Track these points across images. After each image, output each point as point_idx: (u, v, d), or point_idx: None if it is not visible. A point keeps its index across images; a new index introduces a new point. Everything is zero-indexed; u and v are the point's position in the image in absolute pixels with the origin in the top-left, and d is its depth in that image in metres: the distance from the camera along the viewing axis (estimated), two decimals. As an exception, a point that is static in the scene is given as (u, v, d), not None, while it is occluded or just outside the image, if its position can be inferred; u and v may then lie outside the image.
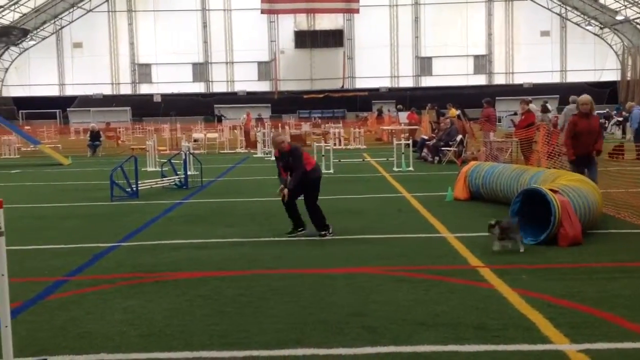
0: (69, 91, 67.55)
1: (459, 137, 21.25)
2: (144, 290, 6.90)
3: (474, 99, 42.36)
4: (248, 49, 67.27)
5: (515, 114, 26.56)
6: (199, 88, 68.57)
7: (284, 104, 64.46)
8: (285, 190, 9.55)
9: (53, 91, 67.39)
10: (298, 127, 41.97)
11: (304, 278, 7.28)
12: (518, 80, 67.32)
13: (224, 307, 6.20)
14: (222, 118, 59.78)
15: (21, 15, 59.82)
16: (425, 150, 22.17)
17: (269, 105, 64.90)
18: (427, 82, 68.21)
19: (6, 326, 3.83)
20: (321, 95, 65.68)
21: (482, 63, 69.38)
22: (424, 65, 69.24)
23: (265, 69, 69.27)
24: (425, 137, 23.95)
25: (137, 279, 7.38)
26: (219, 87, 68.82)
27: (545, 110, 26.82)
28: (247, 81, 68.08)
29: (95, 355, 5.01)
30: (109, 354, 5.03)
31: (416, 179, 17.17)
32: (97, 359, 4.96)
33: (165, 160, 17.99)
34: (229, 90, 68.44)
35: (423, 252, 8.47)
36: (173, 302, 6.43)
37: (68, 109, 65.13)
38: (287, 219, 9.74)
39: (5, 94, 67.61)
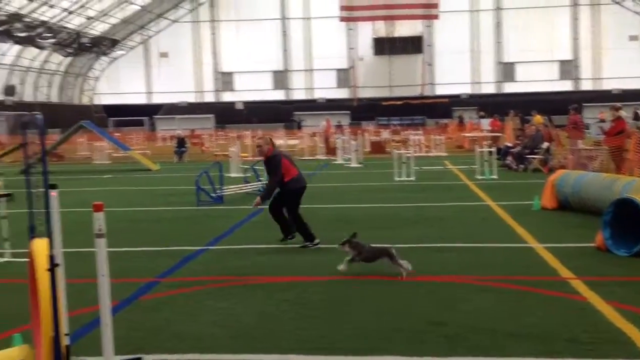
0: (156, 99, 69.85)
1: (545, 144, 20.70)
2: (232, 293, 7.07)
3: (559, 105, 41.15)
4: (327, 57, 67.73)
5: (602, 121, 25.57)
6: (279, 95, 69.55)
7: (363, 110, 64.50)
8: (258, 199, 9.62)
9: (141, 99, 69.86)
10: (377, 134, 41.89)
11: (387, 285, 7.27)
12: (606, 86, 64.91)
13: (310, 312, 6.28)
14: (301, 124, 60.42)
15: (110, 26, 62.35)
16: (509, 157, 21.70)
17: (348, 112, 65.07)
18: (509, 88, 66.75)
19: (107, 324, 4.02)
20: (400, 102, 65.34)
21: (568, 68, 67.30)
22: (507, 71, 67.81)
23: (344, 76, 69.54)
24: (509, 145, 23.45)
25: (225, 282, 7.57)
26: (298, 95, 69.58)
27: (637, 117, 25.76)
28: (326, 88, 68.53)
29: (187, 356, 5.17)
30: (200, 355, 5.19)
31: (500, 187, 16.82)
32: (190, 359, 5.12)
33: (248, 167, 18.34)
34: (308, 98, 69.08)
35: (509, 262, 8.30)
36: (261, 305, 6.56)
37: (155, 117, 67.36)
38: (368, 225, 9.77)
39: (96, 101, 70.61)
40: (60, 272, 4.29)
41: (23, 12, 47.95)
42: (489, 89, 67.36)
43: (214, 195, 14.93)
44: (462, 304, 6.42)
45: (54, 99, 64.37)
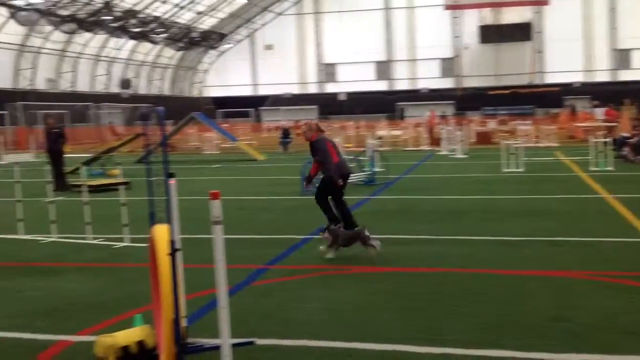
0: (261, 91, 71.35)
1: (666, 134, 19.52)
2: (340, 282, 7.13)
3: (682, 93, 38.65)
4: (431, 46, 66.71)
5: None
6: (381, 86, 69.25)
7: (468, 100, 63.14)
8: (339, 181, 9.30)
9: (247, 91, 71.56)
10: (483, 124, 40.90)
11: (497, 279, 7.10)
12: None
13: (418, 304, 6.23)
14: (404, 115, 59.92)
15: (219, 20, 64.16)
16: (626, 148, 20.62)
17: (453, 102, 63.92)
18: (625, 76, 63.31)
19: (224, 308, 4.15)
20: (507, 92, 63.46)
21: (690, 54, 63.05)
22: (622, 57, 64.34)
23: (449, 66, 68.28)
24: (626, 135, 22.27)
25: (331, 270, 7.64)
26: (401, 85, 69.01)
27: None
28: (430, 78, 67.56)
29: (298, 341, 5.26)
30: (310, 341, 5.26)
31: (617, 179, 16.02)
32: (301, 344, 5.21)
33: (352, 157, 18.39)
34: (412, 88, 68.38)
35: (628, 258, 7.90)
36: (369, 294, 6.58)
37: (260, 108, 68.84)
38: (477, 217, 9.58)
39: (205, 94, 73.00)
40: (179, 257, 4.47)
41: (137, 8, 50.17)
42: (603, 76, 64.15)
43: (317, 185, 15.06)
44: (580, 300, 6.17)
45: (166, 91, 67.08)
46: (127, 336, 4.83)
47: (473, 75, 66.79)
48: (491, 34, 66.51)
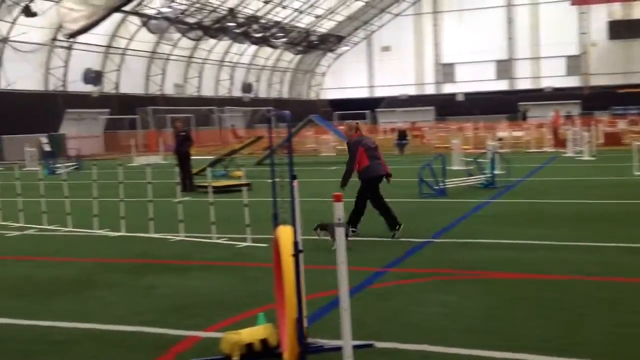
0: (378, 92, 71.38)
1: None
2: (459, 287, 7.01)
3: None
4: (555, 43, 64.06)
5: None
6: (502, 86, 67.32)
7: (595, 99, 60.09)
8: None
9: (363, 93, 71.82)
10: (612, 124, 38.82)
11: (630, 288, 6.73)
12: None
13: (544, 312, 6.02)
14: (526, 115, 57.93)
15: (336, 23, 64.81)
16: None
17: (579, 101, 61.08)
18: None
19: (345, 309, 4.20)
20: (638, 90, 59.85)
21: None
22: None
23: (575, 63, 65.30)
24: None
25: (451, 275, 7.53)
26: (523, 84, 66.76)
27: None
28: (554, 77, 64.91)
29: (418, 346, 5.23)
30: (430, 346, 5.21)
31: None
32: (421, 349, 5.17)
33: (471, 159, 18.03)
34: (534, 87, 65.99)
35: None
36: (490, 300, 6.43)
37: (376, 110, 68.88)
38: (605, 224, 9.13)
39: (322, 96, 74.00)
40: (301, 258, 4.57)
41: (259, 14, 51.66)
42: None
43: (436, 187, 14.91)
44: None
45: (284, 94, 68.61)
46: (252, 334, 5.00)
47: (601, 73, 63.51)
48: (621, 29, 62.94)
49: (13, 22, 35.86)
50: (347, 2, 61.76)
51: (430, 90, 70.48)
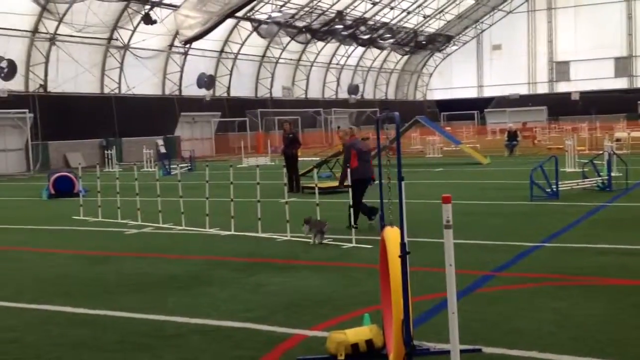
0: (487, 92, 69.76)
1: None
2: (571, 293, 6.74)
3: None
4: (681, 38, 60.31)
5: None
6: (621, 84, 64.01)
7: None
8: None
9: (471, 93, 70.40)
10: None
11: None
12: None
13: (664, 322, 5.69)
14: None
15: (445, 22, 63.89)
16: None
17: None
18: None
19: (453, 313, 4.13)
20: None
21: None
22: None
23: None
24: None
25: (563, 281, 7.25)
26: (644, 82, 63.26)
27: None
28: (680, 74, 61.05)
29: (527, 352, 5.07)
30: (540, 353, 5.04)
31: None
32: (529, 356, 5.02)
33: (587, 161, 17.26)
34: (657, 85, 62.33)
35: None
36: (603, 308, 6.15)
37: (485, 110, 67.32)
38: None
39: (429, 97, 73.18)
40: (408, 260, 4.55)
41: (367, 15, 51.79)
42: None
43: (549, 190, 14.39)
44: None
45: (390, 96, 68.39)
46: (357, 334, 5.03)
47: None
48: None
49: (134, 30, 37.83)
50: (457, 1, 60.72)
51: (542, 89, 68.14)
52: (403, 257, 4.45)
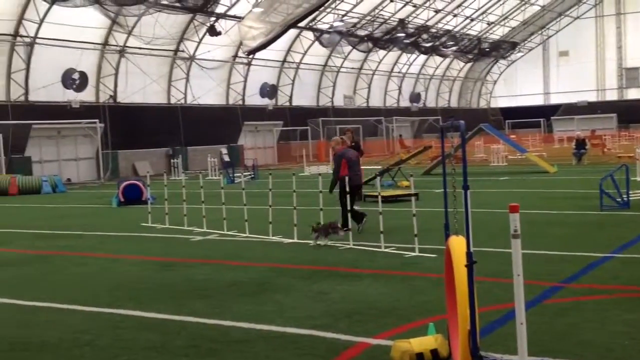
0: (554, 100, 68.21)
1: None
2: (644, 306, 6.53)
3: None
4: None
5: None
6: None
7: None
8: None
9: (537, 100, 68.96)
10: None
11: None
12: None
13: None
14: None
15: (510, 29, 62.86)
16: None
17: None
18: None
19: (521, 323, 4.08)
20: None
21: None
22: None
23: None
24: None
25: (635, 292, 7.03)
26: None
27: None
28: None
29: (598, 366, 4.95)
30: (613, 367, 4.91)
31: None
32: (601, 370, 4.89)
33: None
34: None
35: None
36: (680, 323, 5.92)
37: (552, 117, 65.81)
38: None
39: (493, 104, 72.05)
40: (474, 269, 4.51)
41: (429, 23, 51.48)
42: None
43: (619, 199, 13.96)
44: None
45: (453, 104, 67.67)
46: (422, 343, 5.00)
47: None
48: None
49: (199, 42, 38.69)
50: (522, 7, 59.66)
51: (612, 96, 66.22)
52: (469, 266, 4.42)
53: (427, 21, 51.08)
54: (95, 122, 32.83)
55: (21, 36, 31.12)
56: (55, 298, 7.96)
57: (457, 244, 4.67)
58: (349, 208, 11.13)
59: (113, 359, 5.69)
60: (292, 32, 41.71)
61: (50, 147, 33.37)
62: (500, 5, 56.48)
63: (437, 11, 50.65)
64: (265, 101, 45.37)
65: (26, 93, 31.93)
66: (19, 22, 30.71)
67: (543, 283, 7.57)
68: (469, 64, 65.46)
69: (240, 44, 39.27)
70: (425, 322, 5.74)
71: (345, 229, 10.92)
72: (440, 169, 5.54)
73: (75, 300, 7.81)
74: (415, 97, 61.00)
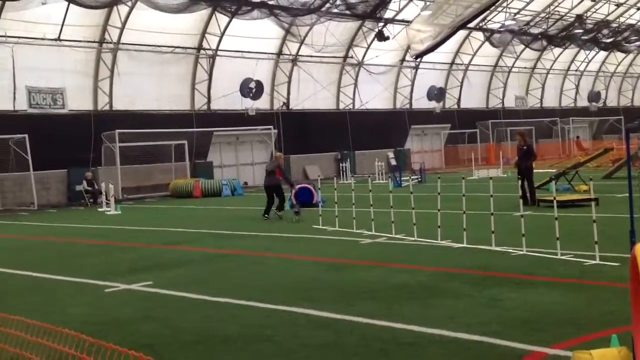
0: None
1: None
2: None
3: None
4: None
5: None
6: None
7: None
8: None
9: None
10: None
11: None
12: None
13: None
14: None
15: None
16: None
17: None
18: None
19: None
20: None
21: None
22: None
23: None
24: None
25: None
26: None
27: None
28: None
29: None
30: None
31: None
32: None
33: None
34: None
35: None
36: None
37: None
38: None
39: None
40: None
41: (610, 18, 48.28)
42: None
43: None
44: None
45: (637, 102, 62.83)
46: (604, 356, 4.72)
47: None
48: None
49: (367, 47, 39.27)
50: None
51: None
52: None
53: (607, 16, 47.89)
54: (269, 128, 34.38)
55: (204, 49, 33.42)
56: (234, 294, 8.46)
57: (644, 252, 4.36)
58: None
59: (291, 354, 5.94)
60: (461, 34, 40.96)
61: (229, 152, 35.53)
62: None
63: (618, 5, 47.34)
64: (433, 104, 44.99)
65: (208, 102, 34.24)
66: (202, 36, 33.00)
67: None
68: (655, 59, 60.48)
69: (408, 48, 39.28)
70: (608, 334, 5.42)
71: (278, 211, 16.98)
72: (623, 173, 5.20)
73: (253, 297, 8.25)
74: (594, 96, 57.43)
